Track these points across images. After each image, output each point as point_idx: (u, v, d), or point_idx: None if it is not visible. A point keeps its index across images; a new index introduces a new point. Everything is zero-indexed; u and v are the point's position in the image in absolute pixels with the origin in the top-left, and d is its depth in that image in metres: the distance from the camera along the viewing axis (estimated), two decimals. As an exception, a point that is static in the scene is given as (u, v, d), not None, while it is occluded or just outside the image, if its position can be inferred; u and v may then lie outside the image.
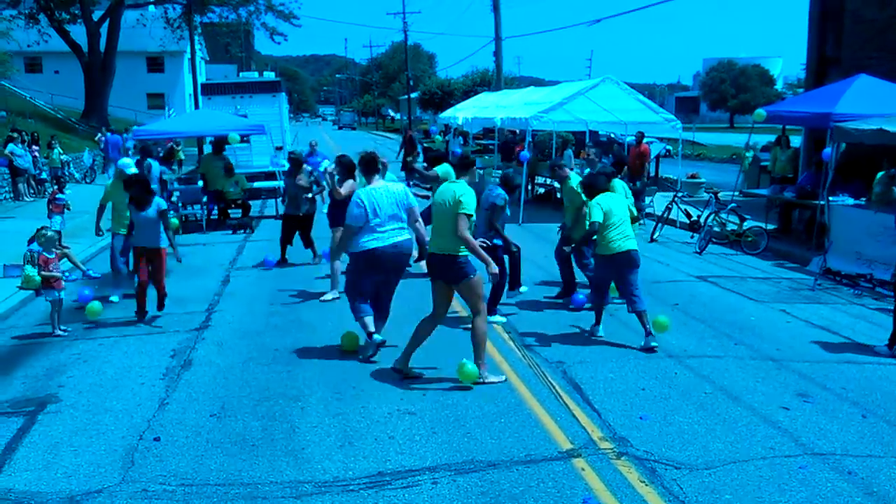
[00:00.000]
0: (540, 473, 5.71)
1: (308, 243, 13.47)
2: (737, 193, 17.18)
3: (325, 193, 12.45)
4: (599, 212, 8.67)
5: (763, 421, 6.58)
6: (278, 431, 6.54)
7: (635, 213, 9.60)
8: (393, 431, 6.48)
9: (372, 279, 8.37)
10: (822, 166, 13.31)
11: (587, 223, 8.84)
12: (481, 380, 7.47)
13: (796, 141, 19.24)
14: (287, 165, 14.08)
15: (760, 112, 15.18)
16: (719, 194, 15.88)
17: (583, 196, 9.51)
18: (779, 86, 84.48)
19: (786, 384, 7.47)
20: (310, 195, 13.29)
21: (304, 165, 13.64)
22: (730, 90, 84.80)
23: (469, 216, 7.35)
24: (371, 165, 8.50)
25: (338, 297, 10.52)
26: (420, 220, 8.70)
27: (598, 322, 9.22)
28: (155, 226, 10.04)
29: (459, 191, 7.46)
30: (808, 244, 13.77)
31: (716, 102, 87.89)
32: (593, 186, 9.15)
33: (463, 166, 8.14)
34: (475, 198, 7.56)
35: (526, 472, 5.74)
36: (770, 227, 15.34)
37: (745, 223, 14.83)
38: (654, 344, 8.50)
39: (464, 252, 7.44)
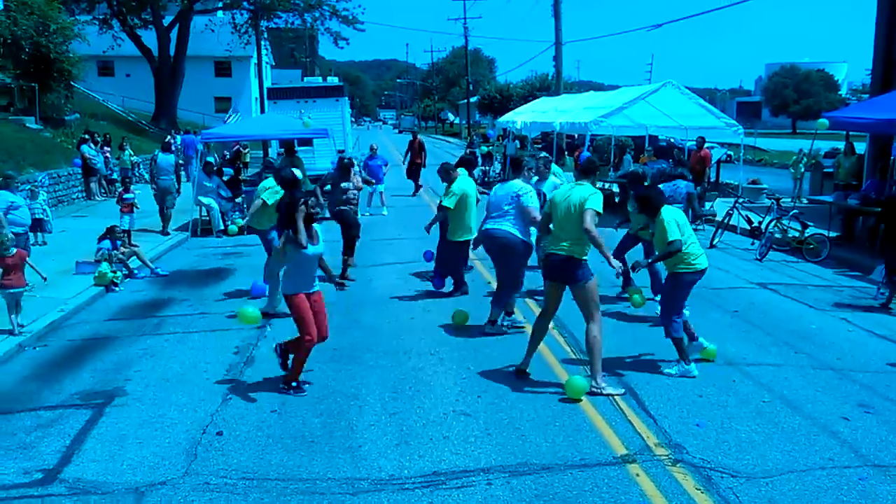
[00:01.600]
0: (594, 478, 5.73)
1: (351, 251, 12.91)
2: (795, 200, 16.86)
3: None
4: (676, 229, 7.84)
5: (823, 431, 6.49)
6: (336, 428, 6.68)
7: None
8: (448, 432, 6.57)
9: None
10: (887, 173, 12.99)
11: (665, 244, 7.90)
12: (598, 390, 7.33)
13: (861, 147, 18.79)
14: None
15: (823, 121, 14.88)
16: (781, 200, 15.60)
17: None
18: (843, 91, 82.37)
19: (847, 394, 7.34)
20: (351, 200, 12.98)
21: (353, 169, 13.34)
22: (792, 95, 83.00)
23: (598, 213, 7.27)
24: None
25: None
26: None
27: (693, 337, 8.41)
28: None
29: (587, 191, 7.47)
30: (871, 252, 13.45)
31: (778, 108, 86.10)
32: (649, 201, 8.16)
33: (584, 172, 7.92)
34: (602, 198, 7.51)
35: (580, 475, 5.77)
36: (833, 234, 15.02)
37: (807, 230, 14.55)
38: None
39: (586, 255, 7.45)
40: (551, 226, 7.77)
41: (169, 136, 30.40)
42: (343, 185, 12.86)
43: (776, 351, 8.74)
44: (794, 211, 15.12)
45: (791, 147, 43.00)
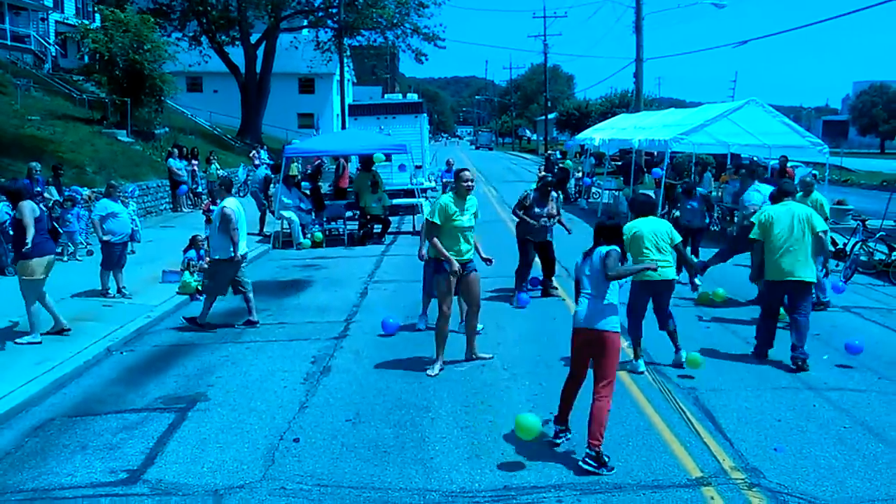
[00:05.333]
0: (667, 500, 5.66)
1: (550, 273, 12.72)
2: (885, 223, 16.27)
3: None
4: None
5: (908, 460, 6.27)
6: (409, 440, 6.77)
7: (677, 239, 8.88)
8: (520, 448, 6.57)
9: None
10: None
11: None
12: None
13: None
14: (426, 183, 14.29)
15: None
16: (867, 222, 15.11)
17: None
18: (936, 111, 79.29)
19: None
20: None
21: (552, 193, 12.51)
22: (882, 114, 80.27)
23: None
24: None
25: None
26: None
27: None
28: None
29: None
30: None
31: (866, 127, 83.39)
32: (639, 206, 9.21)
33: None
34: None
35: (653, 497, 5.71)
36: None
37: (895, 253, 14.05)
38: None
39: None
40: None
41: (253, 151, 31.28)
42: (536, 210, 12.08)
43: (859, 376, 8.47)
44: (881, 233, 14.62)
45: (879, 168, 41.60)
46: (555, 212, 12.26)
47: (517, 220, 12.42)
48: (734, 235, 11.90)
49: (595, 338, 6.36)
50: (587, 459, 6.07)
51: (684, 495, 5.72)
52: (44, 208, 10.43)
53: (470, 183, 8.66)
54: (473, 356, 9.04)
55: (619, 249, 6.52)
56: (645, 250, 8.53)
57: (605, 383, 6.29)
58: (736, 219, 12.67)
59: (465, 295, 9.00)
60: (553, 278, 12.70)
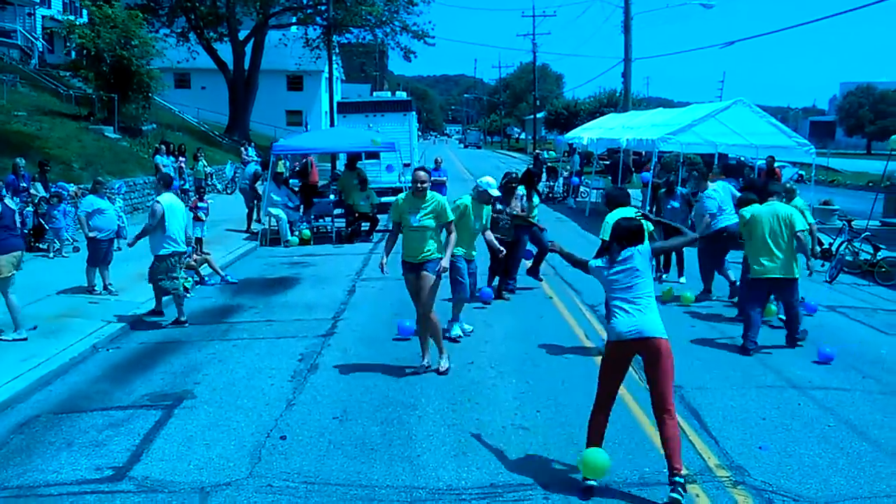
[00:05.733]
0: (654, 497, 5.68)
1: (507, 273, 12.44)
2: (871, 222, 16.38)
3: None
4: (608, 229, 8.91)
5: (889, 457, 6.32)
6: (396, 437, 6.78)
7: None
8: (506, 445, 6.60)
9: None
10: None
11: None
12: None
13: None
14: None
15: None
16: (853, 222, 15.21)
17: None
18: (922, 111, 79.76)
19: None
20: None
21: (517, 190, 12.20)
22: (868, 115, 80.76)
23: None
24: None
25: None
26: None
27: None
28: None
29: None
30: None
31: (853, 128, 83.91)
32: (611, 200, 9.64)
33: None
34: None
35: (639, 494, 5.74)
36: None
37: (880, 253, 14.15)
38: None
39: None
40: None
41: (242, 149, 31.18)
42: (499, 207, 11.83)
43: (843, 375, 8.53)
44: (867, 233, 14.73)
45: (866, 168, 41.87)
46: (518, 210, 12.07)
47: None
48: (699, 248, 11.97)
49: (654, 348, 5.80)
50: (680, 490, 5.47)
51: (671, 493, 5.74)
52: (13, 206, 10.30)
53: (420, 184, 8.38)
54: (423, 368, 8.57)
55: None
56: None
57: (671, 398, 5.77)
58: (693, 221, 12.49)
59: (414, 297, 8.69)
60: (540, 272, 12.80)
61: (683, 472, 5.56)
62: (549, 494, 5.73)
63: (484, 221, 10.33)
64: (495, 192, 10.39)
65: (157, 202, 10.65)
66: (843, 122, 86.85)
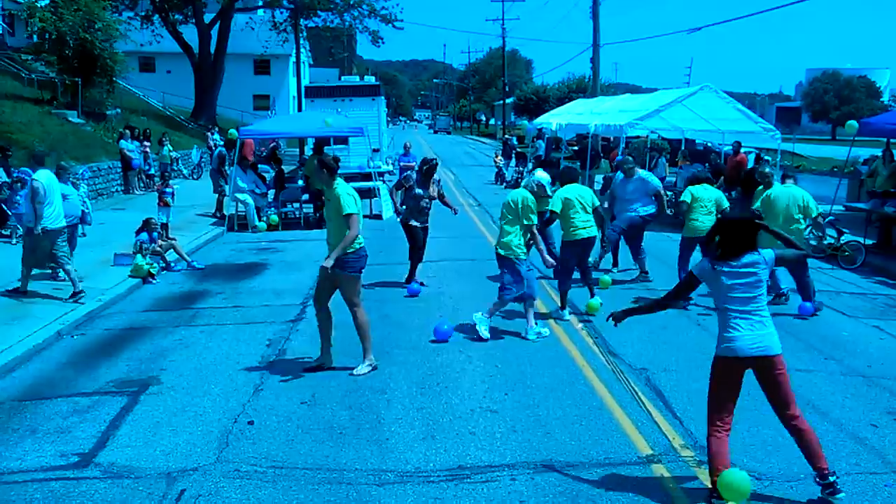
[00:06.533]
0: (618, 477, 5.77)
1: (419, 258, 12.18)
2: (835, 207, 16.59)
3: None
4: (557, 202, 10.37)
5: (850, 437, 6.46)
6: (364, 421, 6.79)
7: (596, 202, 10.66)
8: (474, 428, 6.64)
9: None
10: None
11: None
12: None
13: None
14: (383, 167, 14.27)
15: (852, 123, 14.76)
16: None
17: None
18: (885, 98, 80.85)
19: (876, 401, 7.29)
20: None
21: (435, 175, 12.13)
22: (833, 101, 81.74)
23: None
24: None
25: None
26: None
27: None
28: None
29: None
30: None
31: (818, 114, 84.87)
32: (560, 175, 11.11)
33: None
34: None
35: (604, 474, 5.81)
36: (869, 241, 14.83)
37: (843, 237, 14.38)
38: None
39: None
40: None
41: (208, 133, 30.83)
42: (417, 191, 11.81)
43: (807, 357, 8.67)
44: (831, 217, 14.95)
45: (831, 154, 42.41)
46: (435, 194, 12.03)
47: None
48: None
49: (773, 366, 5.46)
50: (836, 489, 5.24)
51: (635, 472, 5.84)
52: None
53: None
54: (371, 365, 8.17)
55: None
56: (573, 212, 10.21)
57: (794, 404, 5.47)
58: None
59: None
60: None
61: (830, 469, 5.30)
62: (515, 475, 5.77)
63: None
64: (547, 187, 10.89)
65: (36, 180, 10.56)
66: (808, 108, 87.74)
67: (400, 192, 12.12)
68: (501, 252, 9.27)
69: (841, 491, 5.25)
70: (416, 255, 11.98)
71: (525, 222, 9.11)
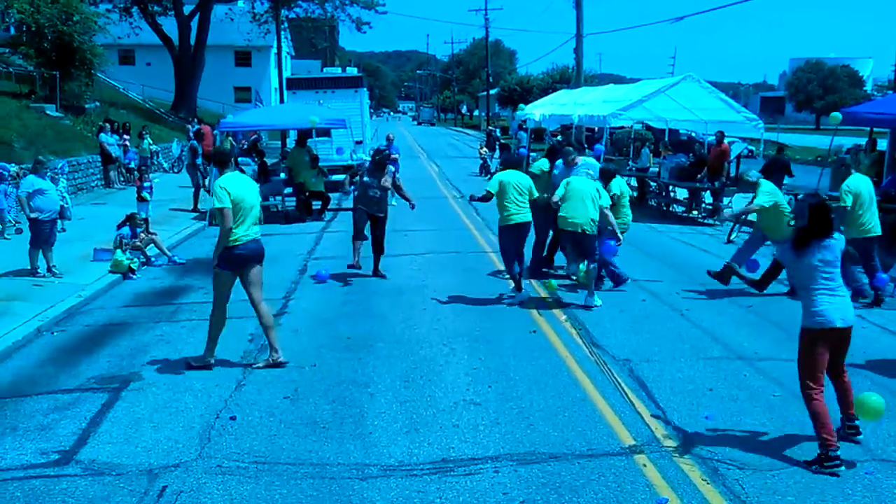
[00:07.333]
0: (601, 467, 5.77)
1: (379, 250, 12.36)
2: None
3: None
4: (495, 183, 10.57)
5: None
6: (347, 416, 6.76)
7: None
8: (458, 420, 6.63)
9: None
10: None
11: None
12: None
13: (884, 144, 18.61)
14: (366, 159, 14.13)
15: (836, 115, 14.84)
16: (799, 196, 15.48)
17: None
18: (868, 87, 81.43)
19: (857, 390, 7.27)
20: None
21: (389, 167, 12.37)
22: (817, 91, 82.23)
23: None
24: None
25: None
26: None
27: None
28: None
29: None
30: (888, 249, 13.34)
31: (802, 103, 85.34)
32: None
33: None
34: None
35: (587, 465, 5.82)
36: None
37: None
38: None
39: None
40: None
41: (188, 126, 30.60)
42: (365, 179, 12.08)
43: (791, 346, 8.52)
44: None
45: (814, 143, 42.68)
46: (387, 185, 12.10)
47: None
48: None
49: (849, 333, 6.12)
50: (858, 431, 6.20)
51: (618, 463, 5.85)
52: None
53: None
54: (272, 360, 8.07)
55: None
56: (508, 197, 10.35)
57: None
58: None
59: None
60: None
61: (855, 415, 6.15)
62: (498, 467, 5.77)
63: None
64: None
65: None
66: (792, 98, 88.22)
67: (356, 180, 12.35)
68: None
69: (861, 433, 6.15)
70: (359, 236, 12.07)
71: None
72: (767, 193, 10.81)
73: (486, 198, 10.50)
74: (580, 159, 11.84)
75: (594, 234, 10.27)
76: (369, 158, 13.58)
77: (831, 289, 5.97)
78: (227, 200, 7.74)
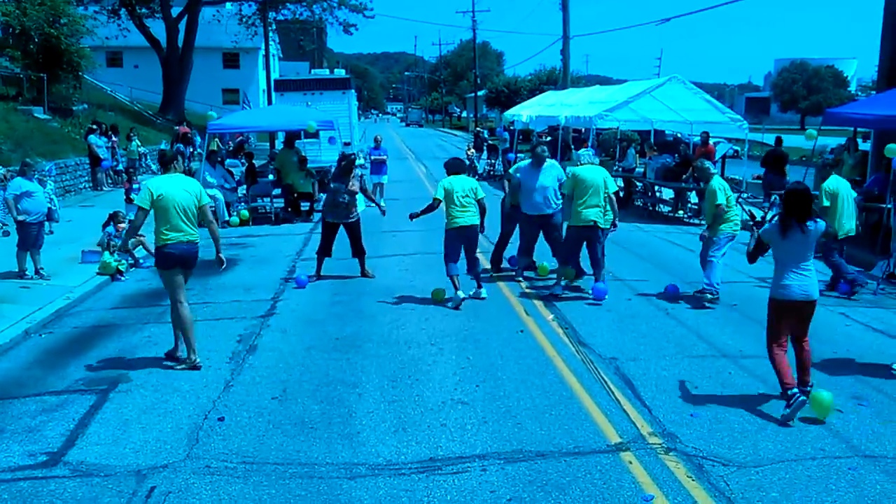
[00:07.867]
0: (587, 465, 5.82)
1: (360, 252, 12.31)
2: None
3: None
4: (441, 191, 10.65)
5: (816, 422, 6.56)
6: (336, 415, 6.79)
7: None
8: (445, 420, 6.67)
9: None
10: (891, 170, 13.02)
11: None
12: None
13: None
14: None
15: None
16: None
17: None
18: (852, 88, 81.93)
19: (841, 387, 7.41)
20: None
21: (355, 170, 12.36)
22: (802, 91, 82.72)
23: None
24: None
25: None
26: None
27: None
28: None
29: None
30: (872, 248, 13.48)
31: (787, 104, 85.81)
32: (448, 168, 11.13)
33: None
34: None
35: (574, 463, 5.87)
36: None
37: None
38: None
39: None
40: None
41: (177, 127, 30.53)
42: (333, 185, 12.11)
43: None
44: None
45: (799, 144, 42.91)
46: (355, 189, 12.09)
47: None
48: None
49: (812, 308, 6.88)
50: (808, 393, 6.72)
51: (604, 460, 5.90)
52: None
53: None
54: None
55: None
56: (453, 202, 10.47)
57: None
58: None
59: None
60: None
61: (812, 383, 6.93)
62: (486, 466, 5.82)
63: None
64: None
65: None
66: (777, 98, 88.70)
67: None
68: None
69: (808, 397, 6.63)
70: (324, 252, 12.13)
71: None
72: (720, 189, 10.73)
73: (433, 207, 10.61)
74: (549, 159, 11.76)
75: (605, 228, 10.75)
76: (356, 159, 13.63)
77: (802, 268, 6.75)
78: (146, 200, 7.90)
